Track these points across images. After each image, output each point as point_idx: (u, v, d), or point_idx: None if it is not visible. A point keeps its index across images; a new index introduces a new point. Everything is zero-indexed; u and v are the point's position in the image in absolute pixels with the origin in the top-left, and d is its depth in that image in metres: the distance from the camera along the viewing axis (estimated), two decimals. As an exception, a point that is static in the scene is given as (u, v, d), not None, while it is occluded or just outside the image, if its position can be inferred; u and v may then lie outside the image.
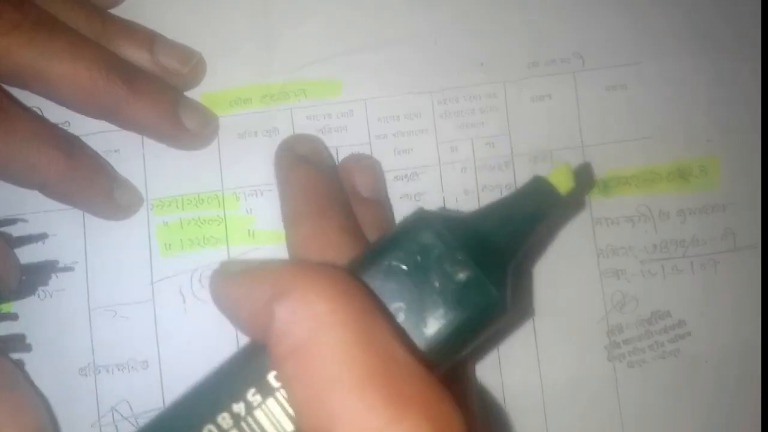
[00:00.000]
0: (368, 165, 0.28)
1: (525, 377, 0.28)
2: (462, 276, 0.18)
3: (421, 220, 0.19)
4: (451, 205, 0.29)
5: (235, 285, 0.18)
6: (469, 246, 0.18)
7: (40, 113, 0.28)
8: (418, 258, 0.18)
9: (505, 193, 0.29)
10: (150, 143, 0.28)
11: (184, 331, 0.27)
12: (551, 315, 0.28)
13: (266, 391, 0.17)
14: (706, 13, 0.29)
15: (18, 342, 0.27)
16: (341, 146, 0.29)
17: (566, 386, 0.28)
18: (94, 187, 0.26)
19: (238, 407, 0.17)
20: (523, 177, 0.29)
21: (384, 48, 0.29)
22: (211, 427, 0.17)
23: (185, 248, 0.28)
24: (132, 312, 0.28)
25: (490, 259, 0.18)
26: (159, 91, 0.26)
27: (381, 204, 0.27)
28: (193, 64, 0.28)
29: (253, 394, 0.17)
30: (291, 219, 0.26)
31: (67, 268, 0.28)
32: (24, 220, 0.28)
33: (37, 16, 0.25)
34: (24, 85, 0.26)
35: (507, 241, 0.19)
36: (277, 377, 0.17)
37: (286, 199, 0.26)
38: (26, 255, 0.27)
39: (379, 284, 0.18)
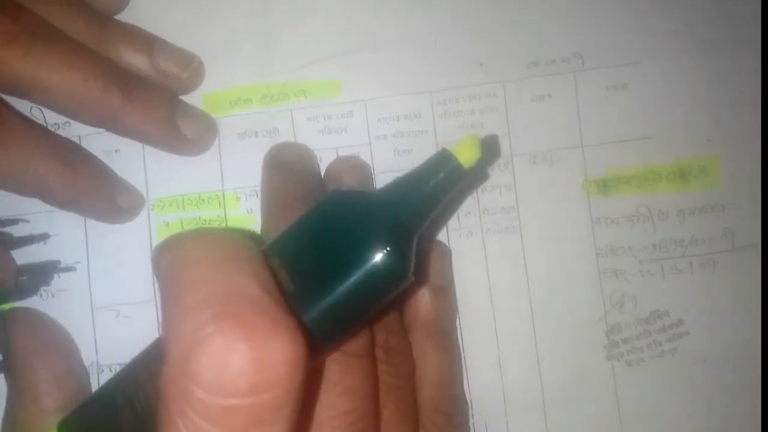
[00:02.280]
0: (356, 164, 0.28)
1: (525, 377, 0.28)
2: (367, 248, 0.19)
3: (333, 198, 0.20)
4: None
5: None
6: (377, 220, 0.19)
7: (41, 113, 0.28)
8: (328, 230, 0.20)
9: (505, 193, 0.29)
10: (150, 144, 0.28)
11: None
12: (550, 315, 0.29)
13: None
14: (706, 13, 0.29)
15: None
16: (341, 147, 0.29)
17: (565, 385, 0.28)
18: (96, 193, 0.26)
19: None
20: (522, 177, 0.29)
21: (384, 48, 0.29)
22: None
23: (186, 249, 0.28)
24: (135, 311, 0.28)
25: (396, 232, 0.19)
26: (156, 100, 0.26)
27: None
28: (192, 69, 0.28)
29: None
30: (262, 219, 0.26)
31: (69, 268, 0.28)
32: (25, 221, 0.28)
33: (35, 27, 0.25)
34: (22, 95, 0.26)
35: (412, 216, 0.20)
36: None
37: (261, 201, 0.27)
38: (28, 255, 0.28)
39: (287, 252, 0.20)
